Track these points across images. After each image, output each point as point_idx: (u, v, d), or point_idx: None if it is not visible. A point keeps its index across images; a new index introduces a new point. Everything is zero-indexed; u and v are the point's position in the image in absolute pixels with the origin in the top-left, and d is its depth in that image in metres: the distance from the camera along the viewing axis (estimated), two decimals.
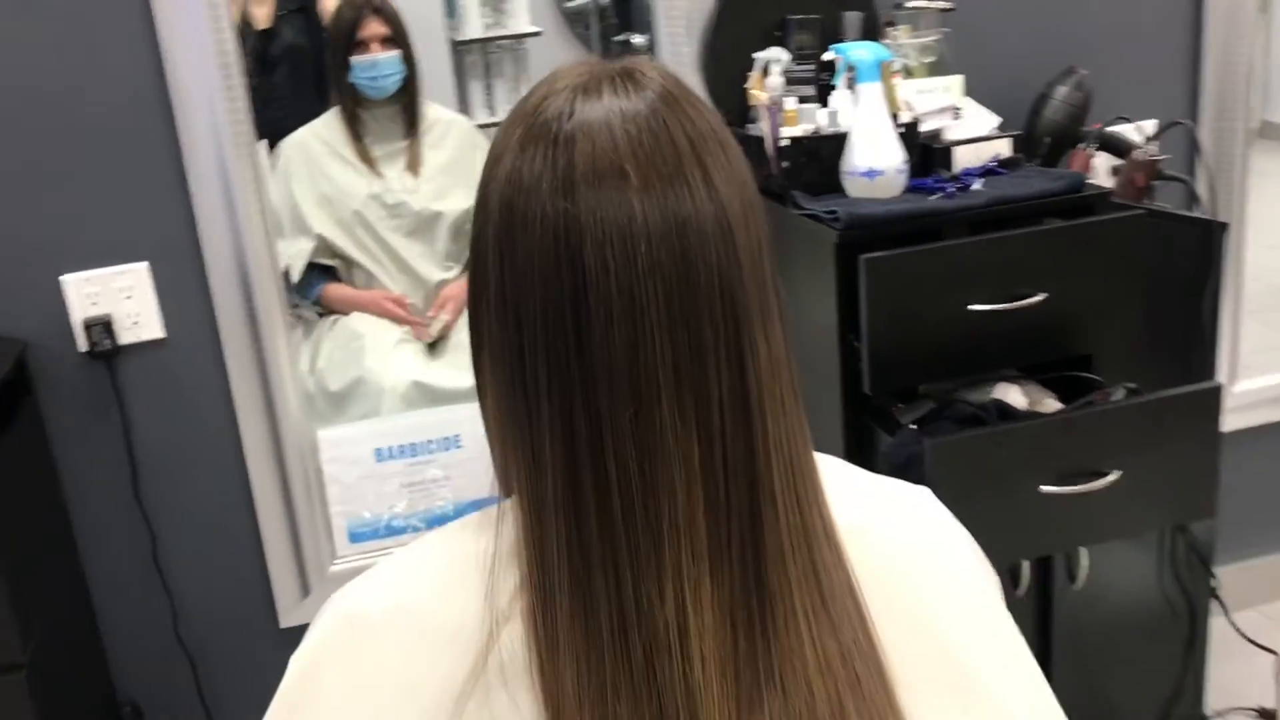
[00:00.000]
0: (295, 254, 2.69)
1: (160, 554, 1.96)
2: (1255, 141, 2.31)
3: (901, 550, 0.80)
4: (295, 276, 2.67)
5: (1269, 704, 2.25)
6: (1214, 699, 2.23)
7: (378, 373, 2.55)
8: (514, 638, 0.70)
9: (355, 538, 2.04)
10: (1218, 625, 2.19)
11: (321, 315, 2.75)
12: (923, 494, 0.87)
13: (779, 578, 0.70)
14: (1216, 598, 2.08)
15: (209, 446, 1.95)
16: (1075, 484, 1.60)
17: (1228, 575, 2.48)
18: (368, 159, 2.77)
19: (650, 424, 0.68)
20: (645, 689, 0.68)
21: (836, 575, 0.74)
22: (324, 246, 2.72)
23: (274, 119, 2.78)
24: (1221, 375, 2.39)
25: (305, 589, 2.03)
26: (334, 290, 2.76)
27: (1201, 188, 2.20)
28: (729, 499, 0.70)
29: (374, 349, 2.61)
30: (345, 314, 2.74)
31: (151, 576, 1.96)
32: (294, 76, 3.07)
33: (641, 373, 0.67)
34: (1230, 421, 2.41)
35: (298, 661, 0.77)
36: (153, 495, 1.94)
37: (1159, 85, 2.24)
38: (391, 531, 2.04)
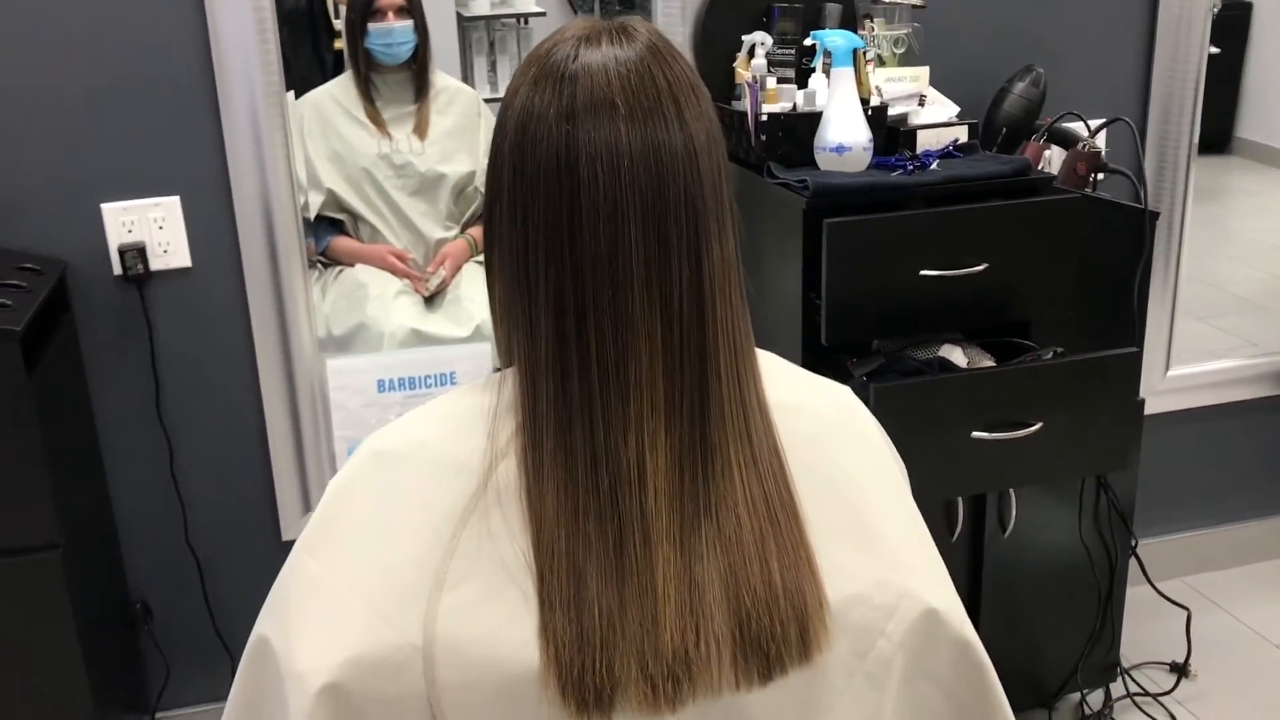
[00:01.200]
0: (308, 205, 2.86)
1: (176, 466, 2.14)
2: (1196, 153, 2.52)
3: (822, 425, 1.00)
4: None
5: (1181, 659, 2.46)
6: (1131, 654, 2.45)
7: (379, 320, 2.73)
8: (508, 470, 0.89)
9: None
10: (1140, 589, 2.40)
11: (327, 266, 2.93)
12: (845, 390, 1.07)
13: (719, 434, 0.90)
14: (1136, 556, 2.29)
15: (227, 369, 2.13)
16: (1002, 431, 1.81)
17: (1154, 547, 2.70)
18: (378, 121, 2.94)
19: (624, 304, 0.86)
20: (609, 512, 0.87)
21: (765, 438, 0.93)
22: (333, 201, 2.90)
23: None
24: (1156, 359, 2.60)
25: (307, 505, 2.22)
26: (341, 243, 2.93)
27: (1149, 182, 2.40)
28: (683, 368, 0.89)
29: (376, 298, 2.79)
30: (350, 265, 2.91)
31: (167, 486, 2.15)
32: (293, 38, 3.25)
33: (619, 262, 0.86)
34: (1163, 403, 2.63)
35: (333, 485, 0.96)
36: (173, 411, 2.12)
37: (1111, 86, 2.45)
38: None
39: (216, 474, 2.18)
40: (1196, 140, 2.50)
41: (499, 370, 0.96)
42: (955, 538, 2.09)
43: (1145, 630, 2.52)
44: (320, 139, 2.92)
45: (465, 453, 0.91)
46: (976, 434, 1.80)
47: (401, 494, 0.92)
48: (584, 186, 0.85)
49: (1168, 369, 2.64)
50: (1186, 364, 2.67)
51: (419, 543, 0.88)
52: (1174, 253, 2.53)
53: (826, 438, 0.99)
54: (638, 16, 0.96)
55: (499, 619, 0.86)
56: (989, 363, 1.98)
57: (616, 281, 0.86)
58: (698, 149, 0.89)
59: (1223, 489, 2.85)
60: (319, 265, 2.94)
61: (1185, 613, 2.42)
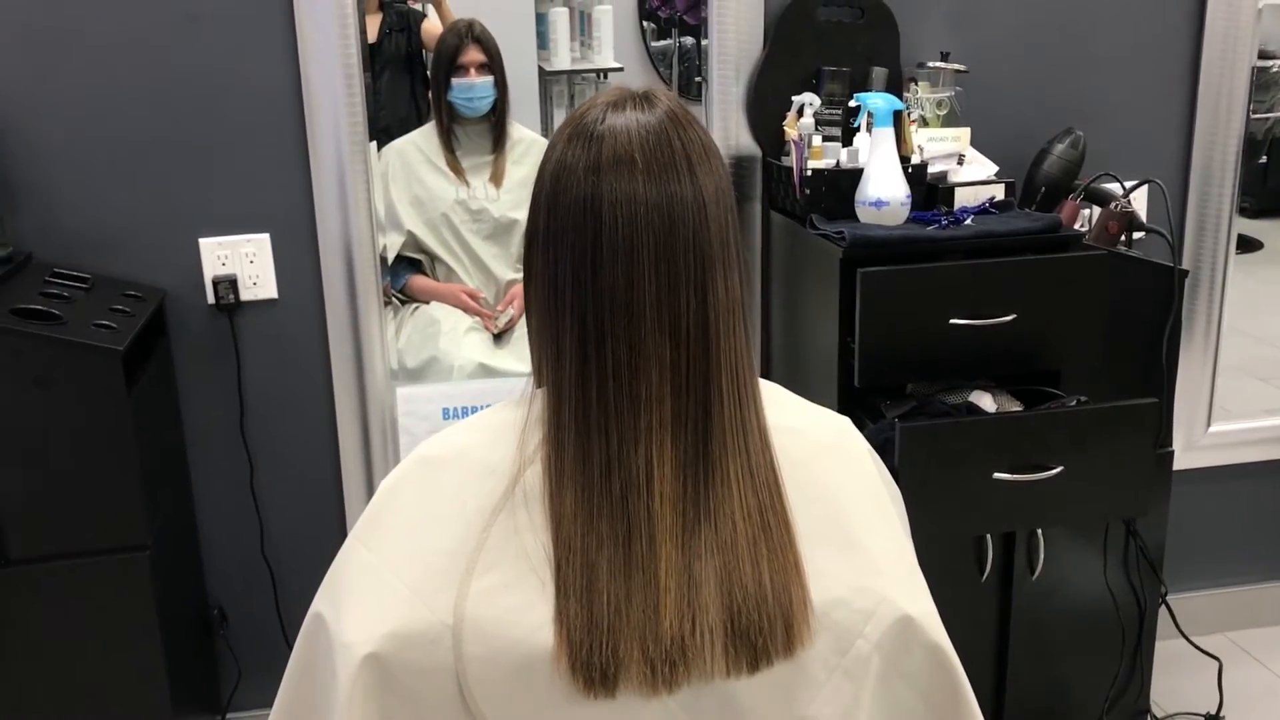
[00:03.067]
0: (388, 246, 3.05)
1: (256, 482, 2.32)
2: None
3: (816, 447, 1.12)
4: (386, 266, 3.03)
5: (1214, 709, 2.50)
6: (1164, 703, 2.49)
7: (449, 353, 2.90)
8: (534, 474, 1.03)
9: None
10: (1174, 641, 2.44)
11: (404, 303, 3.12)
12: (843, 419, 1.19)
13: (720, 449, 1.02)
14: (1166, 605, 2.35)
15: (305, 395, 2.30)
16: (1023, 473, 1.90)
17: (1192, 600, 2.74)
18: (457, 169, 3.13)
19: (637, 331, 1.00)
20: (620, 513, 1.00)
21: (762, 455, 1.05)
22: (412, 242, 3.09)
23: (372, 122, 3.16)
24: (1197, 415, 2.66)
25: None
26: (418, 281, 3.12)
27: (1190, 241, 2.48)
28: (688, 389, 1.02)
29: (448, 334, 2.96)
30: (426, 303, 3.10)
31: (247, 501, 2.32)
32: (392, 86, 3.47)
33: (634, 295, 1.00)
34: (1204, 458, 2.69)
35: (384, 484, 1.10)
36: (255, 431, 2.30)
37: (1151, 147, 2.54)
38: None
39: (292, 491, 2.35)
40: (1236, 200, 2.57)
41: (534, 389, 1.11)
42: (985, 577, 2.18)
43: (1178, 680, 2.57)
44: (403, 184, 3.11)
45: (498, 459, 1.05)
46: (998, 474, 1.90)
47: (442, 493, 1.06)
48: (605, 228, 0.99)
49: (1209, 424, 2.70)
50: (1231, 420, 2.73)
51: (455, 535, 1.01)
52: (1215, 312, 2.61)
53: (819, 458, 1.11)
54: (662, 87, 1.11)
55: (520, 603, 0.99)
56: (1017, 408, 2.07)
57: (631, 311, 0.99)
58: (707, 200, 1.03)
59: (1264, 545, 2.88)
60: (397, 301, 3.13)
61: (1217, 664, 2.46)
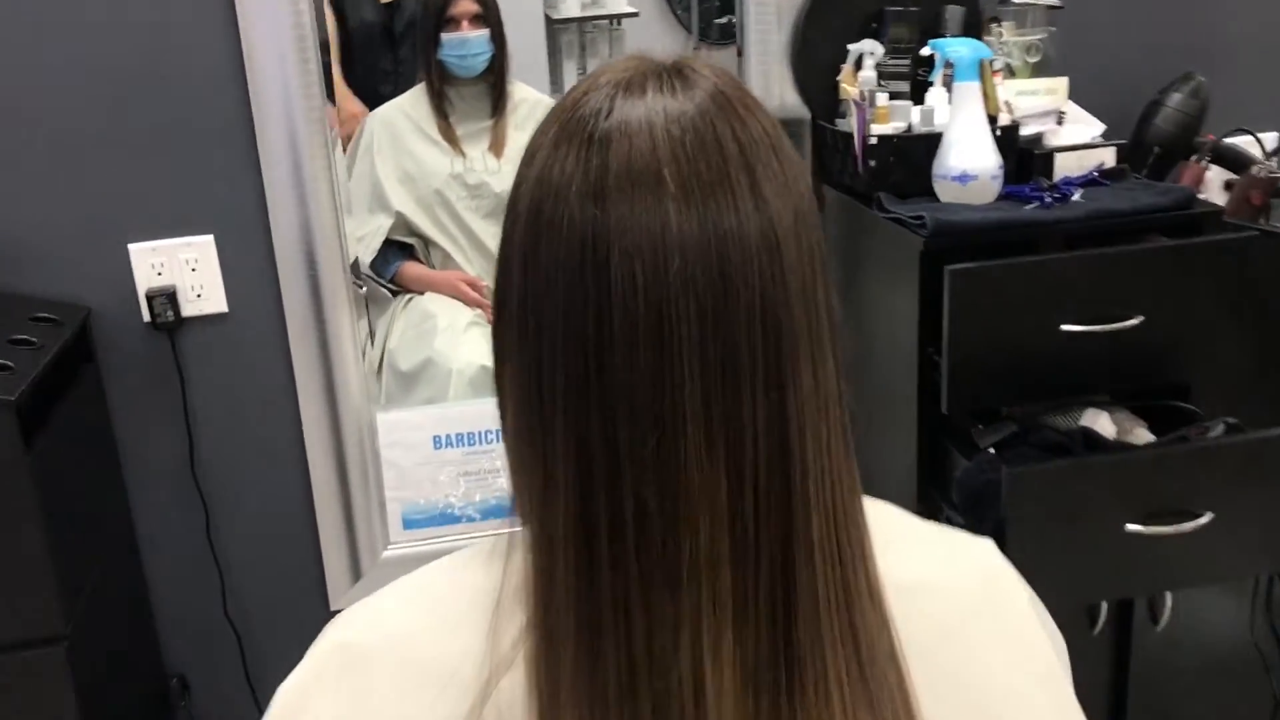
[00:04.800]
0: (373, 230, 2.66)
1: (213, 530, 1.94)
2: None
3: (958, 612, 0.72)
4: (372, 253, 2.64)
5: None
6: None
7: (446, 355, 2.51)
8: (514, 685, 0.64)
9: (410, 524, 2.01)
10: None
11: (395, 294, 2.72)
12: (984, 548, 0.79)
13: (811, 638, 0.63)
14: None
15: (267, 424, 1.92)
16: (1164, 524, 1.49)
17: None
18: (451, 138, 2.73)
19: (674, 455, 0.61)
20: None
21: (878, 640, 0.66)
22: (402, 224, 2.69)
23: (396, 93, 2.77)
24: None
25: (357, 573, 2.00)
26: (410, 269, 2.72)
27: None
28: (759, 545, 0.63)
29: (445, 330, 2.57)
30: (420, 293, 2.70)
31: (204, 552, 1.94)
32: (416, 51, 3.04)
33: (667, 399, 0.61)
34: None
35: (285, 692, 0.73)
36: (209, 471, 1.92)
37: None
38: (447, 520, 2.00)
39: (257, 539, 1.97)
40: None
41: (512, 531, 0.71)
42: (1098, 630, 1.78)
43: None
44: (390, 158, 2.71)
45: (457, 656, 0.67)
46: (1131, 527, 1.49)
47: (371, 713, 0.68)
48: (616, 293, 0.61)
49: None
50: None
51: None
52: None
53: (963, 629, 0.73)
54: (701, 53, 0.70)
55: None
56: (1143, 431, 1.66)
57: (663, 425, 0.61)
58: (780, 235, 0.63)
59: None
60: (388, 293, 2.74)
61: None
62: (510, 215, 0.68)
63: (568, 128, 0.66)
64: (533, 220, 0.65)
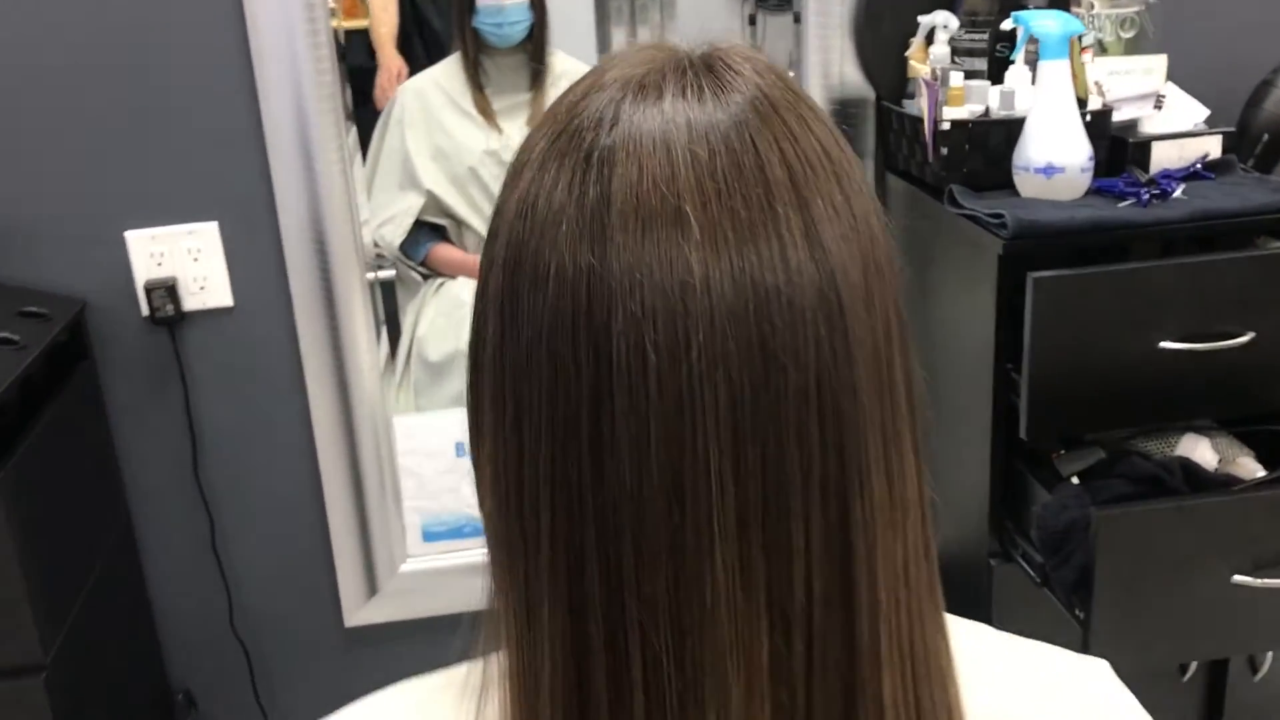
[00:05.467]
0: (403, 210, 2.50)
1: (219, 540, 1.80)
2: None
3: None
4: (402, 234, 2.48)
5: None
6: None
7: None
8: None
9: (430, 537, 1.86)
10: None
11: (426, 278, 2.57)
12: (1097, 678, 0.61)
13: None
14: None
15: (276, 427, 1.77)
16: (1276, 576, 1.30)
17: None
18: (487, 112, 2.56)
19: (697, 596, 0.46)
20: None
21: None
22: (434, 204, 2.53)
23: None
24: None
25: (373, 588, 1.85)
26: (441, 251, 2.56)
27: None
28: (811, 716, 0.46)
29: None
30: (452, 278, 2.55)
31: (208, 563, 1.81)
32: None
33: (688, 519, 0.45)
34: None
35: None
36: (213, 477, 1.77)
37: None
38: (470, 532, 1.85)
39: (266, 550, 1.83)
40: None
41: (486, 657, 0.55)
42: (1187, 679, 1.59)
43: None
44: (422, 132, 2.55)
45: None
46: (1239, 579, 1.30)
47: None
48: (620, 373, 0.46)
49: None
50: None
51: None
52: None
53: None
54: (740, 42, 0.52)
55: None
56: (1249, 461, 1.46)
57: (682, 554, 0.46)
58: (843, 295, 0.47)
59: None
60: (418, 277, 2.58)
61: None
62: (486, 254, 0.52)
63: (560, 142, 0.49)
64: (511, 267, 0.48)
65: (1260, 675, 1.59)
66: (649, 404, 0.45)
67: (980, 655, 0.58)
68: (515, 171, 0.51)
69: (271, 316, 1.72)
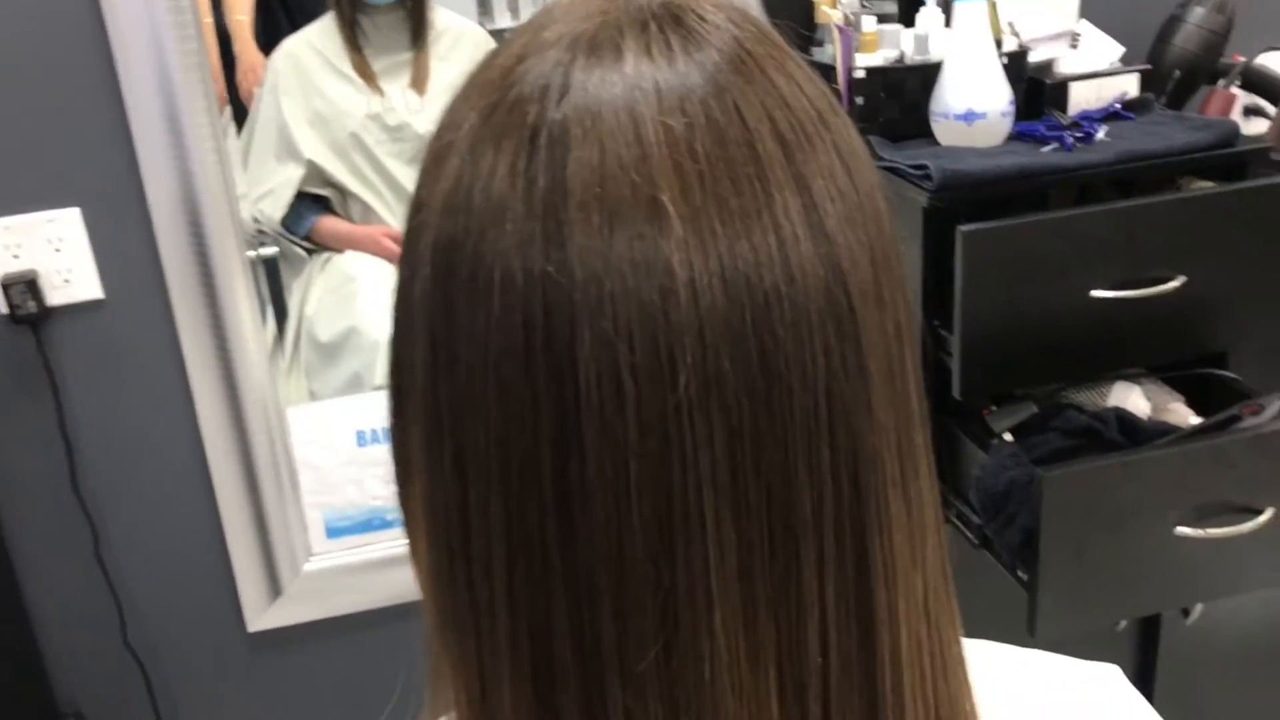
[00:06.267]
0: (283, 182, 2.36)
1: (103, 550, 1.66)
2: None
3: None
4: (283, 208, 2.34)
5: None
6: None
7: (371, 322, 2.23)
8: None
9: (334, 533, 1.74)
10: None
11: (312, 253, 2.43)
12: (1111, 685, 0.56)
13: None
14: None
15: (158, 425, 1.64)
16: (1219, 525, 1.27)
17: None
18: (367, 73, 2.42)
19: (694, 672, 0.38)
20: None
21: None
22: (315, 174, 2.39)
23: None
24: None
25: (276, 589, 1.73)
26: (326, 224, 2.42)
27: None
28: None
29: (368, 294, 2.29)
30: (339, 252, 2.41)
31: (93, 575, 1.67)
32: None
33: (679, 581, 0.38)
34: None
35: None
36: (92, 483, 1.64)
37: None
38: (377, 525, 1.74)
39: (157, 557, 1.70)
40: None
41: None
42: (1121, 629, 1.57)
43: None
44: (299, 98, 2.39)
45: None
46: (1183, 530, 1.27)
47: None
48: (589, 407, 0.37)
49: None
50: None
51: None
52: None
53: None
54: None
55: None
56: (1181, 407, 1.44)
57: (673, 621, 0.38)
58: (854, 295, 0.39)
59: None
60: (303, 252, 2.44)
61: None
62: (407, 258, 0.42)
63: (495, 117, 0.40)
64: (441, 275, 0.39)
65: (1192, 619, 1.58)
66: (627, 443, 0.36)
67: (993, 677, 0.51)
68: (438, 154, 0.42)
69: (146, 306, 1.58)
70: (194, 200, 1.54)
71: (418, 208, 0.42)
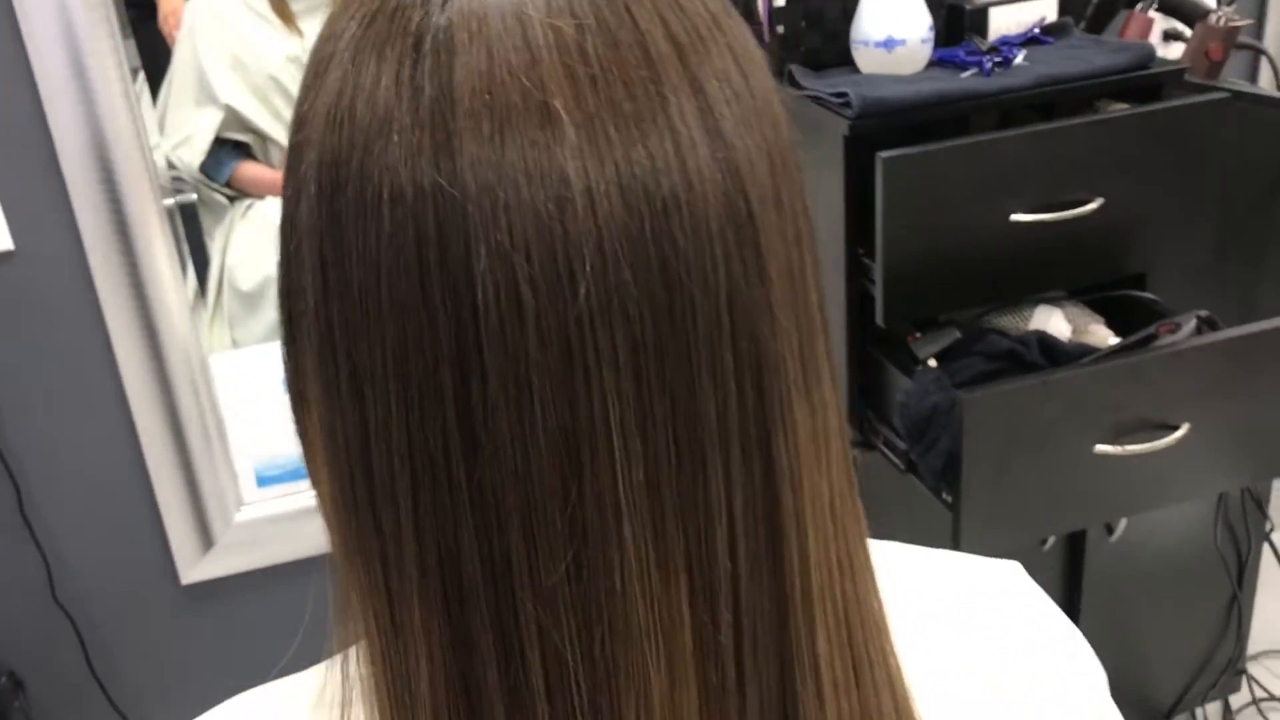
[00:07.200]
0: (201, 128, 2.29)
1: (27, 506, 1.63)
2: None
3: (997, 687, 0.51)
4: (201, 154, 2.28)
5: None
6: (1253, 639, 1.99)
7: None
8: None
9: (264, 481, 1.73)
10: (1264, 561, 1.92)
11: (233, 200, 2.38)
12: (1011, 580, 0.58)
13: None
14: (1269, 541, 1.81)
15: (79, 378, 1.60)
16: (1137, 442, 1.30)
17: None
18: (285, 13, 2.35)
19: (604, 582, 0.38)
20: None
21: None
22: (234, 119, 2.32)
23: None
24: None
25: (208, 540, 1.72)
26: (247, 170, 2.36)
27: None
28: (744, 695, 0.40)
29: None
30: (260, 198, 2.36)
31: (18, 533, 1.64)
32: None
33: (587, 493, 0.37)
34: None
35: None
36: (13, 440, 1.60)
37: None
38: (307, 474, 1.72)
39: (84, 512, 1.67)
40: None
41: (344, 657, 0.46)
42: (1048, 548, 1.61)
43: (1274, 615, 2.05)
44: (216, 41, 2.33)
45: None
46: (1101, 448, 1.29)
47: None
48: (489, 322, 0.36)
49: None
50: None
51: None
52: None
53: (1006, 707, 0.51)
54: None
55: None
56: (1100, 328, 1.46)
57: (582, 533, 0.38)
58: (753, 200, 0.39)
59: None
60: (224, 200, 2.39)
61: None
62: (290, 178, 0.41)
63: (376, 25, 0.39)
64: (327, 193, 0.38)
65: (1116, 536, 1.62)
66: (529, 358, 0.36)
67: (898, 576, 0.52)
68: (318, 68, 0.41)
69: (60, 257, 1.54)
70: (103, 146, 1.50)
71: (300, 124, 0.41)
